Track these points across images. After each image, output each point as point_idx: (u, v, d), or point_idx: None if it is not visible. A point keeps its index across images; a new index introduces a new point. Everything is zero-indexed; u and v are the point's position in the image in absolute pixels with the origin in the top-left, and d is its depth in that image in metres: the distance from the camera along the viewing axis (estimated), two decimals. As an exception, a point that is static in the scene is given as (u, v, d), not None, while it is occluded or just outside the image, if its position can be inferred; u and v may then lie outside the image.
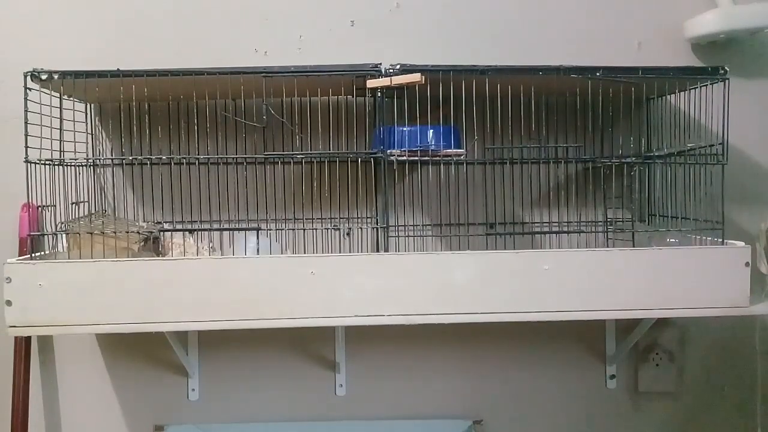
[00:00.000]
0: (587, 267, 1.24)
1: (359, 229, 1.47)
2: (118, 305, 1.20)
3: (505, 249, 1.37)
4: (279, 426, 1.57)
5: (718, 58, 1.55)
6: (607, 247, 1.47)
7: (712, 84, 1.33)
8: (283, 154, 1.38)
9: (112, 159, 1.48)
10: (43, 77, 1.23)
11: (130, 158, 1.38)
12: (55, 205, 1.27)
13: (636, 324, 1.49)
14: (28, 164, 1.23)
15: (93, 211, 1.44)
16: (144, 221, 1.46)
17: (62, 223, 1.28)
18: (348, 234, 1.43)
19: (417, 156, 1.29)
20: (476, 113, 1.32)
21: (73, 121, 1.33)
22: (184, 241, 1.37)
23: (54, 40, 1.50)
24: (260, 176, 1.44)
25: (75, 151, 1.32)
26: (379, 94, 1.29)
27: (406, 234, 1.49)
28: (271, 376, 1.57)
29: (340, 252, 1.40)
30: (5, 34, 1.51)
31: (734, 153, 1.49)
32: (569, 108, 1.42)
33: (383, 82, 1.25)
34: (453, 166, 1.43)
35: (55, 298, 1.19)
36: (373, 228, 1.46)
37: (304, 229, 1.45)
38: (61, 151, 1.26)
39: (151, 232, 1.34)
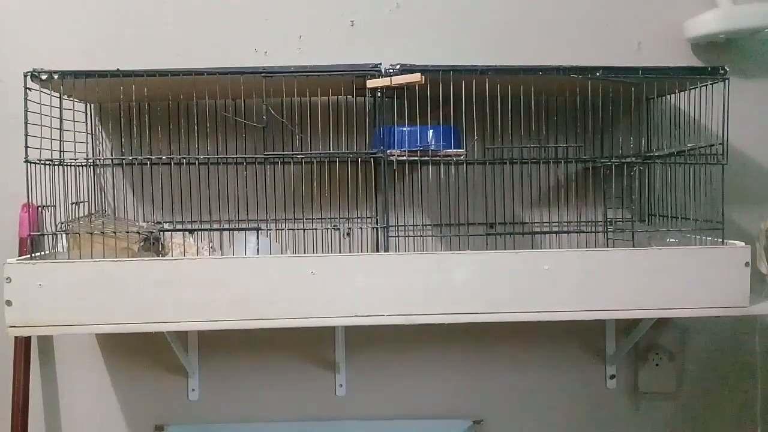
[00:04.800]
0: (587, 267, 1.24)
1: (359, 229, 1.47)
2: (118, 305, 1.20)
3: (505, 249, 1.37)
4: (279, 426, 1.57)
5: (718, 58, 1.55)
6: (607, 247, 1.47)
7: (712, 84, 1.33)
8: (283, 154, 1.38)
9: (112, 159, 1.48)
10: (43, 77, 1.23)
11: (130, 158, 1.38)
12: (55, 205, 1.27)
13: (636, 324, 1.49)
14: (28, 164, 1.23)
15: (93, 211, 1.44)
16: (144, 221, 1.46)
17: (62, 223, 1.28)
18: (348, 234, 1.43)
19: (417, 156, 1.29)
20: (476, 113, 1.32)
21: (73, 121, 1.33)
22: (184, 241, 1.37)
23: (54, 40, 1.50)
24: (260, 176, 1.44)
25: (75, 151, 1.32)
26: (379, 94, 1.29)
27: (406, 234, 1.49)
28: (271, 376, 1.57)
29: (340, 252, 1.40)
30: (5, 34, 1.51)
31: (734, 153, 1.49)
32: (569, 108, 1.42)
33: (383, 82, 1.25)
34: (453, 166, 1.43)
35: (55, 298, 1.19)
36: (373, 228, 1.46)
37: (304, 229, 1.44)
38: (61, 151, 1.26)
39: (151, 232, 1.34)
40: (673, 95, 1.47)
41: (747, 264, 1.25)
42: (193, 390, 1.56)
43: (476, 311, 1.24)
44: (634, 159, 1.43)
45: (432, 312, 1.23)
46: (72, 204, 1.34)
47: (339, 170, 1.36)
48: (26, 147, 1.23)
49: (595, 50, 1.54)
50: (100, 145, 1.50)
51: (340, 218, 1.46)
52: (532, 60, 1.32)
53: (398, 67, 1.26)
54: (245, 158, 1.38)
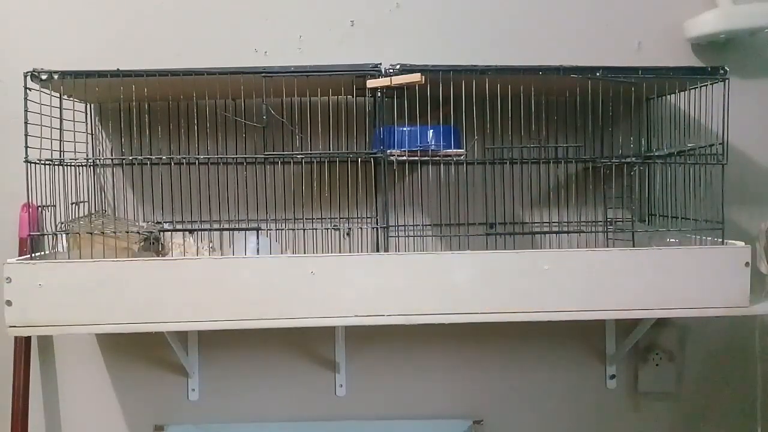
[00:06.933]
0: (587, 267, 1.24)
1: (359, 229, 1.47)
2: (118, 305, 1.20)
3: (505, 249, 1.37)
4: (279, 426, 1.57)
5: (718, 58, 1.55)
6: (607, 247, 1.47)
7: (712, 84, 1.33)
8: (283, 154, 1.38)
9: (112, 159, 1.48)
10: (43, 77, 1.23)
11: (130, 158, 1.38)
12: (55, 205, 1.27)
13: (636, 324, 1.49)
14: (28, 164, 1.24)
15: (93, 211, 1.44)
16: (144, 221, 1.46)
17: (62, 223, 1.28)
18: (348, 234, 1.43)
19: (417, 156, 1.29)
20: (476, 113, 1.32)
21: (73, 121, 1.33)
22: (184, 241, 1.37)
23: (54, 40, 1.50)
24: (260, 176, 1.44)
25: (75, 151, 1.33)
26: (379, 94, 1.29)
27: (406, 234, 1.49)
28: (271, 376, 1.57)
29: (340, 252, 1.40)
30: (5, 34, 1.51)
31: (734, 153, 1.49)
32: (569, 108, 1.42)
33: (383, 82, 1.25)
34: (453, 166, 1.43)
35: (55, 298, 1.19)
36: (373, 228, 1.46)
37: (304, 229, 1.44)
38: (61, 151, 1.26)
39: (151, 232, 1.34)
40: (673, 95, 1.47)
41: (747, 264, 1.25)
42: (193, 390, 1.56)
43: (476, 311, 1.24)
44: (634, 159, 1.43)
45: (432, 312, 1.23)
46: (72, 204, 1.34)
47: (339, 170, 1.36)
48: (26, 147, 1.23)
49: (595, 50, 1.54)
50: (100, 145, 1.50)
51: (340, 218, 1.46)
52: (532, 60, 1.32)
53: (398, 67, 1.26)
54: (245, 158, 1.38)
